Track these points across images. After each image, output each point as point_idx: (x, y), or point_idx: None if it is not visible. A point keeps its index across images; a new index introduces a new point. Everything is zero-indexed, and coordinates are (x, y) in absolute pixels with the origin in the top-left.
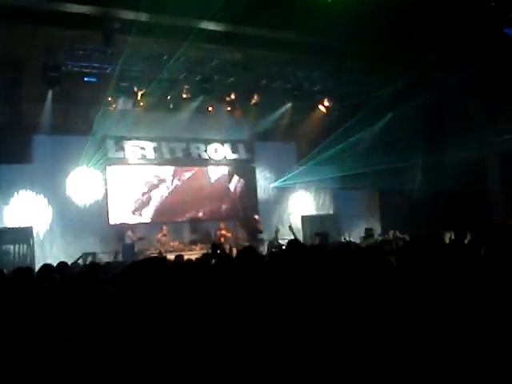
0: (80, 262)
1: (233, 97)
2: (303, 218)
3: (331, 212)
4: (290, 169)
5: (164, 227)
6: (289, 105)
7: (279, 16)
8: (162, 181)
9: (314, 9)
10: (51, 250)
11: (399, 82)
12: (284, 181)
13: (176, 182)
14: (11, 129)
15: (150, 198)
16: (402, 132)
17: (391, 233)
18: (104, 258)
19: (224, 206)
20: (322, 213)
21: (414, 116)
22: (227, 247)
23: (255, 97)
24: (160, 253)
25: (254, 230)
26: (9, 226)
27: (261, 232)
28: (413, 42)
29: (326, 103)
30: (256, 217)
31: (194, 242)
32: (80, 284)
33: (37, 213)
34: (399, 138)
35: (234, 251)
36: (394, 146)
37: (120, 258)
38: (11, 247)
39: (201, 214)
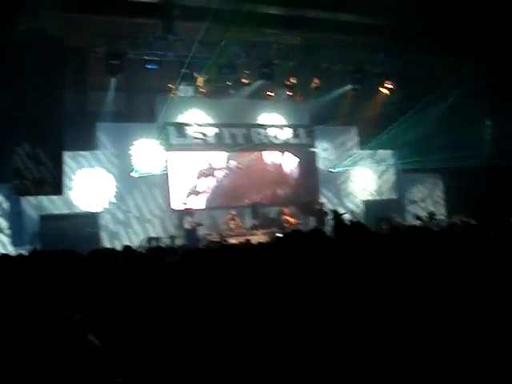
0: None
1: (293, 81)
2: (365, 202)
3: (394, 196)
4: (350, 153)
5: (232, 212)
6: (350, 88)
7: None
8: (221, 166)
9: None
10: (116, 234)
11: (466, 64)
12: (345, 165)
13: (236, 167)
14: (77, 116)
15: (209, 184)
16: (468, 113)
17: (456, 217)
18: (166, 242)
19: (284, 191)
20: (384, 197)
21: (479, 95)
22: None
23: (316, 80)
24: (222, 238)
25: (320, 214)
26: (75, 212)
27: (327, 215)
28: (478, 23)
29: (389, 85)
30: (321, 201)
31: (255, 227)
32: (146, 266)
33: (101, 198)
34: (464, 118)
35: None
36: (459, 127)
37: (176, 242)
38: (78, 232)
39: (261, 199)
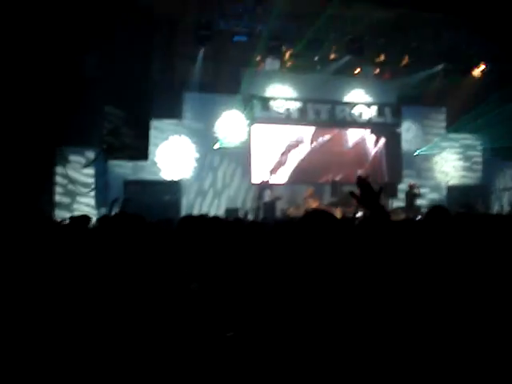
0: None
1: (382, 58)
2: (449, 187)
3: (480, 183)
4: (437, 135)
5: (310, 188)
6: (441, 68)
7: None
8: (304, 141)
9: None
10: (195, 204)
11: None
12: (431, 147)
13: (318, 143)
14: (164, 85)
15: (290, 159)
16: None
17: None
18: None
19: (366, 171)
20: (469, 183)
21: None
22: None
23: (406, 59)
24: (299, 212)
25: (411, 196)
26: (160, 179)
27: (419, 196)
28: None
29: (482, 67)
30: (412, 182)
31: (333, 205)
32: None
33: (184, 167)
34: None
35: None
36: None
37: (252, 216)
38: (159, 198)
39: (341, 177)
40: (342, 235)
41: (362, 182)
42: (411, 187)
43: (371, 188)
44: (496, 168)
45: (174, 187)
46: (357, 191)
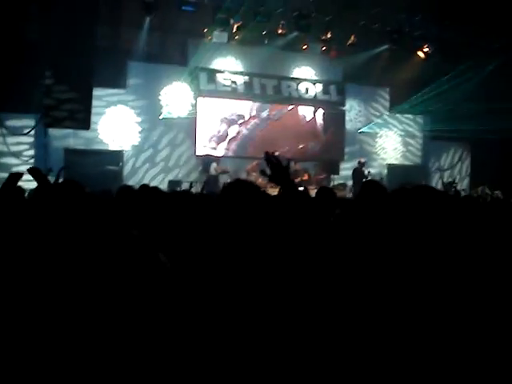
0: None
1: (329, 36)
2: (389, 166)
3: (419, 163)
4: (380, 114)
5: (254, 162)
6: (386, 48)
7: None
8: (250, 116)
9: None
10: (138, 175)
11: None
12: (373, 126)
13: (264, 118)
14: (108, 53)
15: (237, 133)
16: (505, 84)
17: (480, 188)
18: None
19: (311, 147)
20: (409, 163)
21: None
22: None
23: (352, 37)
24: None
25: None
26: (102, 148)
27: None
28: None
29: (426, 49)
30: (362, 159)
31: None
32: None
33: (128, 136)
34: (501, 89)
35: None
36: (494, 98)
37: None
38: (101, 168)
39: (286, 153)
40: (260, 208)
41: (270, 158)
42: (361, 164)
43: (280, 164)
44: (435, 149)
45: (115, 157)
46: (295, 166)
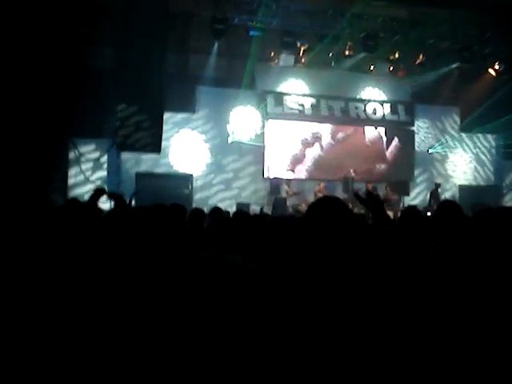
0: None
1: (396, 56)
2: (461, 187)
3: (492, 183)
4: (450, 134)
5: (322, 183)
6: (455, 67)
7: None
8: (318, 138)
9: None
10: (208, 198)
11: None
12: (443, 146)
13: (332, 140)
14: (178, 79)
15: (305, 155)
16: None
17: None
18: (256, 209)
19: (379, 168)
20: (481, 183)
21: None
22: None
23: (420, 57)
24: None
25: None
26: (172, 172)
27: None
28: None
29: (497, 67)
30: (437, 180)
31: (345, 202)
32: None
33: (197, 161)
34: None
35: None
36: None
37: (265, 210)
38: (171, 192)
39: (354, 175)
40: (352, 227)
41: (370, 196)
42: (436, 185)
43: (372, 194)
44: (508, 168)
45: (186, 181)
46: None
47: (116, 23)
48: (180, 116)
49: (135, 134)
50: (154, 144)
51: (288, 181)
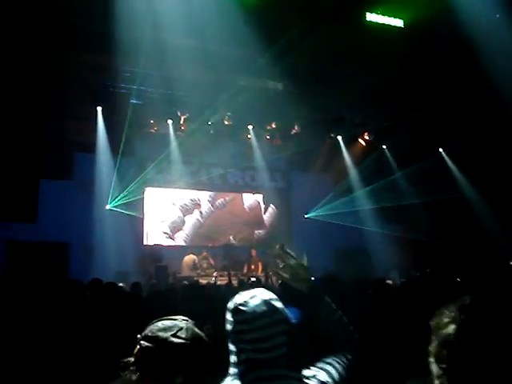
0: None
1: (273, 126)
2: (336, 251)
3: (362, 245)
4: (325, 200)
5: (204, 252)
6: (329, 136)
7: None
8: (198, 205)
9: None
10: (86, 267)
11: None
12: (318, 212)
13: (211, 207)
14: (56, 145)
15: (184, 222)
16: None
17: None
18: (138, 277)
19: (258, 234)
20: (355, 247)
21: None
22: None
23: (296, 127)
24: (191, 277)
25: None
26: (48, 240)
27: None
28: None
29: (367, 137)
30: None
31: (225, 268)
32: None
33: (74, 229)
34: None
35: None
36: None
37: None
38: (49, 261)
39: (234, 241)
40: None
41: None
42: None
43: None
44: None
45: (62, 249)
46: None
47: None
48: (58, 183)
49: (8, 202)
50: (28, 212)
51: (164, 248)
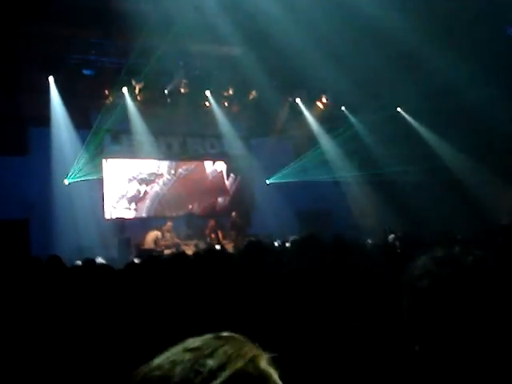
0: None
1: (231, 92)
2: (299, 214)
3: (325, 208)
4: (286, 165)
5: (168, 222)
6: (288, 101)
7: None
8: (158, 175)
9: None
10: (46, 243)
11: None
12: (279, 177)
13: (172, 176)
14: (7, 120)
15: (146, 193)
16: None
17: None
18: (101, 251)
19: (220, 202)
20: (317, 209)
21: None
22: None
23: (253, 92)
24: (155, 248)
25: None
26: (5, 218)
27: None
28: None
29: (324, 100)
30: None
31: (189, 237)
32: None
33: (32, 205)
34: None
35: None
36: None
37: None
38: (7, 238)
39: (196, 210)
40: None
41: None
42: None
43: None
44: (339, 194)
45: (20, 226)
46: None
47: None
48: (11, 159)
49: None
50: None
51: (126, 220)
